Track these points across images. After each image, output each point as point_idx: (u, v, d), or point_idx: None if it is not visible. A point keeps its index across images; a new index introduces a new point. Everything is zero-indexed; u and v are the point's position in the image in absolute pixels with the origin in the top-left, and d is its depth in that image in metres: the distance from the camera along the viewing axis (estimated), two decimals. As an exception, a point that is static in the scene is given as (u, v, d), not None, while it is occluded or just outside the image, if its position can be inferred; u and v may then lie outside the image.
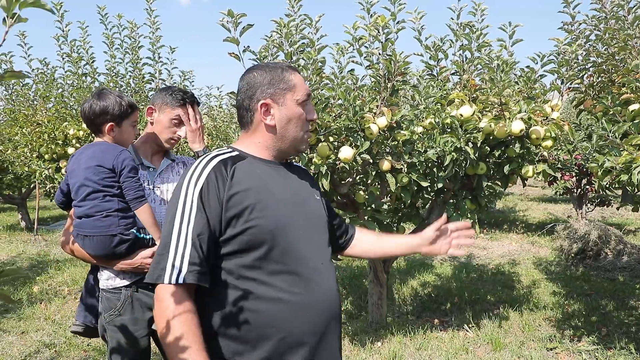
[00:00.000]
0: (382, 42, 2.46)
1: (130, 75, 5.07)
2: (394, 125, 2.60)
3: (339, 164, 2.46)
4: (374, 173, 2.67)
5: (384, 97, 2.55)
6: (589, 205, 7.32)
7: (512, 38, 3.22)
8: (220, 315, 1.22)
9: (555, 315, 4.21)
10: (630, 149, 2.51)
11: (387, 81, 2.52)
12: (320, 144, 2.47)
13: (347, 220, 2.40)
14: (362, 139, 2.48)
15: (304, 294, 1.25)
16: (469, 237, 1.52)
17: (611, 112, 2.60)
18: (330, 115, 2.42)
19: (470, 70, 2.73)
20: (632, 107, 2.59)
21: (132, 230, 1.75)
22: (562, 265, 5.65)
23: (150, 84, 5.03)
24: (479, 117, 2.70)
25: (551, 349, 3.59)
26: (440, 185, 2.80)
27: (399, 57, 2.49)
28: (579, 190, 6.61)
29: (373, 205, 3.11)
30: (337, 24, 2.85)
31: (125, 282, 1.85)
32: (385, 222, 3.42)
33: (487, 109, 2.75)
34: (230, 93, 2.20)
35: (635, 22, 2.37)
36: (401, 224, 3.57)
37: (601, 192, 6.75)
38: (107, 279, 1.87)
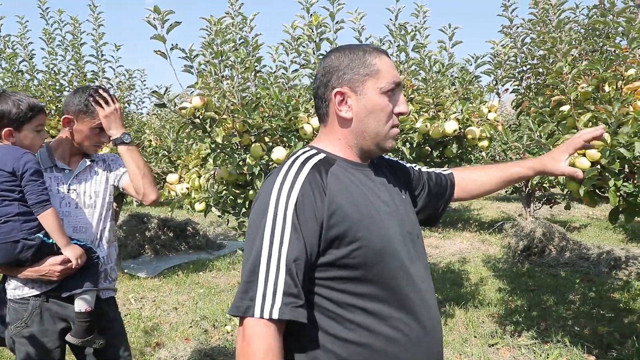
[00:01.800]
0: (315, 42, 2.43)
1: (72, 73, 4.89)
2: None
3: (272, 164, 2.42)
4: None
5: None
6: (537, 203, 7.59)
7: (452, 40, 3.27)
8: (318, 353, 1.02)
9: (499, 311, 4.31)
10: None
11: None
12: (253, 145, 2.43)
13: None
14: (296, 140, 2.45)
15: (415, 326, 1.08)
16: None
17: (540, 113, 2.67)
18: (262, 115, 2.38)
19: (407, 71, 2.75)
20: (562, 108, 2.67)
21: (38, 234, 1.66)
22: (510, 262, 5.82)
23: (94, 82, 4.85)
24: (415, 118, 2.71)
25: (492, 345, 3.67)
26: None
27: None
28: (527, 189, 6.84)
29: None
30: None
31: (35, 292, 1.75)
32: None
33: (424, 110, 2.78)
34: (153, 93, 2.13)
35: (560, 25, 2.44)
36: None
37: (544, 192, 7.00)
38: (14, 289, 1.76)
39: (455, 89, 2.90)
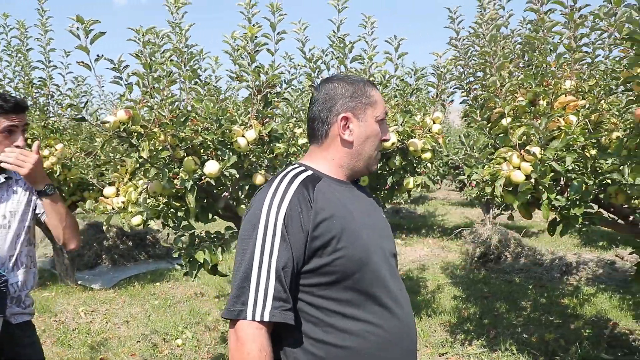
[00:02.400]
0: (249, 53, 2.39)
1: (18, 79, 4.72)
2: (267, 138, 2.54)
3: (205, 179, 2.36)
4: (247, 187, 2.59)
5: (255, 110, 2.49)
6: (495, 209, 7.70)
7: (398, 51, 3.28)
8: (299, 353, 1.12)
9: (451, 319, 4.33)
10: (499, 161, 2.60)
11: (257, 93, 2.46)
12: (186, 159, 2.36)
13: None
14: (230, 153, 2.40)
15: (390, 327, 1.18)
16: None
17: (478, 126, 2.69)
18: (195, 128, 2.32)
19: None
20: (503, 121, 2.69)
21: None
22: (467, 269, 5.87)
23: (42, 89, 4.69)
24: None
25: (443, 354, 3.68)
26: (318, 198, 2.77)
27: (268, 69, 2.44)
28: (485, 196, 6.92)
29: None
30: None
31: None
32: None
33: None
34: (69, 105, 2.05)
35: (493, 39, 2.47)
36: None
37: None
38: None
39: (397, 101, 2.90)
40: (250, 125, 2.46)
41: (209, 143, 2.49)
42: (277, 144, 2.63)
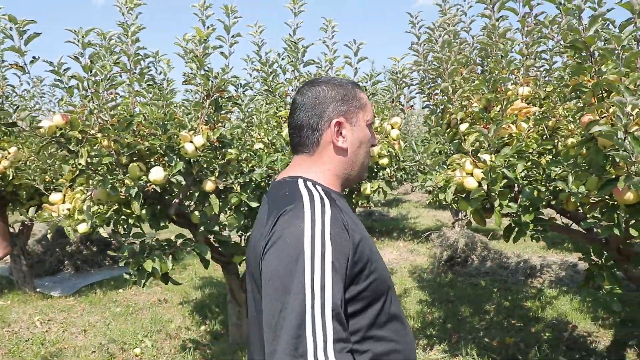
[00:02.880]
0: (197, 57, 2.32)
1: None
2: (218, 144, 2.48)
3: (150, 185, 2.28)
4: (197, 194, 2.52)
5: (205, 114, 2.42)
6: (464, 213, 7.74)
7: (357, 55, 3.25)
8: None
9: (415, 324, 4.32)
10: (455, 167, 2.59)
11: (206, 97, 2.39)
12: (130, 165, 2.28)
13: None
14: (177, 159, 2.32)
15: (407, 342, 1.12)
16: None
17: (434, 133, 2.67)
18: (140, 134, 2.24)
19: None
20: (462, 127, 2.68)
21: None
22: (434, 272, 5.89)
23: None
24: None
25: (404, 360, 3.66)
26: (272, 205, 2.71)
27: (217, 73, 2.37)
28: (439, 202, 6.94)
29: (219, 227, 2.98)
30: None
31: None
32: (231, 242, 3.29)
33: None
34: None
35: (445, 45, 2.45)
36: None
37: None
38: None
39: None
40: (199, 131, 2.39)
41: (157, 148, 2.41)
42: (229, 150, 2.56)
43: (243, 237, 3.47)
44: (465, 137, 2.43)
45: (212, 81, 2.34)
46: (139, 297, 5.50)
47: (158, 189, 2.29)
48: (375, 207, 11.23)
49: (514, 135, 2.41)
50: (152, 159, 2.37)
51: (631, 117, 1.43)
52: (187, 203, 2.92)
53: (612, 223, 1.87)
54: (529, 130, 2.33)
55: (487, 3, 2.51)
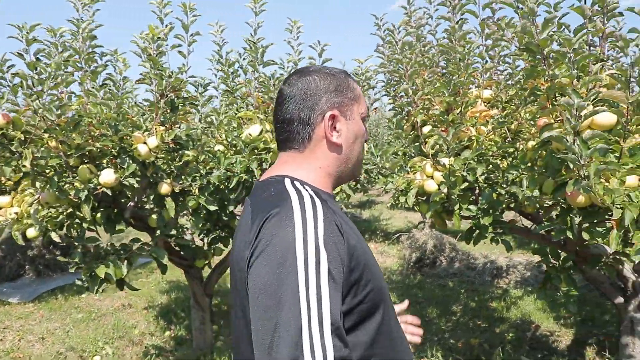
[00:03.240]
0: (149, 55, 2.24)
1: None
2: (173, 145, 2.40)
3: (100, 188, 2.19)
4: (152, 197, 2.44)
5: (160, 115, 2.34)
6: (434, 213, 7.80)
7: (322, 56, 3.21)
8: None
9: (382, 327, 4.31)
10: (417, 169, 2.58)
11: (161, 97, 2.31)
12: (80, 167, 2.19)
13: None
14: (130, 161, 2.24)
15: (407, 351, 1.04)
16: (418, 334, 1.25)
17: (395, 135, 2.66)
18: (84, 135, 2.15)
19: (260, 89, 2.62)
20: (425, 129, 2.67)
21: None
22: (403, 274, 5.90)
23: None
24: (270, 138, 2.60)
25: (370, 364, 3.64)
26: (231, 208, 2.65)
27: (171, 72, 2.30)
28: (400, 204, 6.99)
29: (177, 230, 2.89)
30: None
31: None
32: (193, 246, 3.21)
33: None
34: None
35: (405, 47, 2.44)
36: (216, 245, 3.39)
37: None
38: None
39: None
40: (154, 132, 2.31)
41: (109, 150, 2.32)
42: (186, 152, 2.49)
43: (205, 240, 3.39)
44: (426, 139, 2.42)
45: (166, 81, 2.27)
46: (102, 303, 5.34)
47: (109, 192, 2.20)
48: (347, 209, 11.23)
49: (473, 138, 2.41)
50: (104, 161, 2.27)
51: (579, 120, 1.44)
52: (144, 206, 2.83)
53: (566, 226, 1.88)
54: (488, 133, 2.34)
55: (447, 6, 2.51)
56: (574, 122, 1.44)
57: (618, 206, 1.69)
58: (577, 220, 1.84)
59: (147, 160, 2.38)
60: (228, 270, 2.76)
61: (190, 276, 3.57)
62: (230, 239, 3.44)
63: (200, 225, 2.66)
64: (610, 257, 2.49)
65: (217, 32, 2.92)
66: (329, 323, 0.81)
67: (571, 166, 1.59)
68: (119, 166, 2.24)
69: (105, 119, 2.15)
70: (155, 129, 2.29)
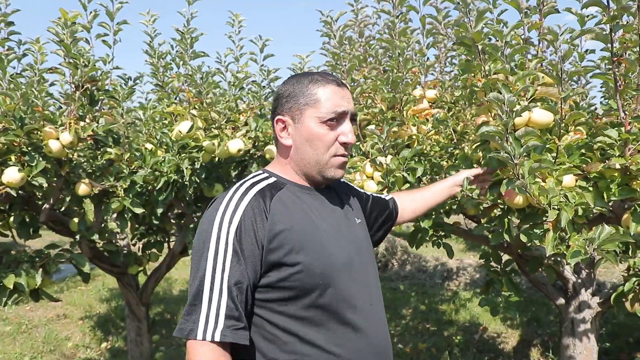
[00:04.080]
0: (61, 41, 2.02)
1: None
2: (92, 142, 2.19)
3: (4, 188, 1.96)
4: (68, 198, 2.22)
5: (76, 109, 2.12)
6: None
7: (263, 52, 3.06)
8: None
9: (330, 332, 4.20)
10: (359, 169, 2.47)
11: (76, 89, 2.10)
12: (-21, 165, 1.95)
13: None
14: (39, 158, 2.02)
15: (354, 348, 1.10)
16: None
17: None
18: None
19: (193, 83, 2.43)
20: (370, 128, 2.56)
21: None
22: (355, 277, 5.82)
23: None
24: (202, 135, 2.42)
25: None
26: (160, 210, 2.46)
27: (88, 60, 2.09)
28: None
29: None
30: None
31: None
32: (125, 252, 2.99)
33: (215, 126, 2.50)
34: None
35: (342, 41, 2.33)
36: (150, 250, 3.18)
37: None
38: None
39: (251, 104, 2.67)
40: (68, 127, 2.09)
41: (20, 146, 2.09)
42: (108, 149, 2.28)
43: (138, 245, 3.17)
44: (366, 138, 2.32)
45: (81, 70, 2.06)
46: (34, 313, 4.97)
47: (13, 193, 1.96)
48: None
49: (414, 137, 2.32)
50: (9, 157, 2.04)
51: (511, 116, 1.36)
52: (65, 209, 2.59)
53: (504, 228, 1.81)
54: (429, 132, 2.26)
55: (389, 0, 2.42)
56: (506, 119, 1.37)
57: (555, 207, 1.63)
58: (514, 222, 1.77)
59: (63, 158, 2.16)
60: (168, 277, 2.55)
61: (124, 284, 3.33)
62: (166, 244, 3.24)
63: (125, 229, 2.45)
64: (551, 259, 2.46)
65: (148, 22, 2.72)
66: (227, 288, 1.02)
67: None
68: (26, 164, 2.01)
69: (9, 111, 1.93)
70: (70, 123, 2.07)
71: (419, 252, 5.98)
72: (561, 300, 2.92)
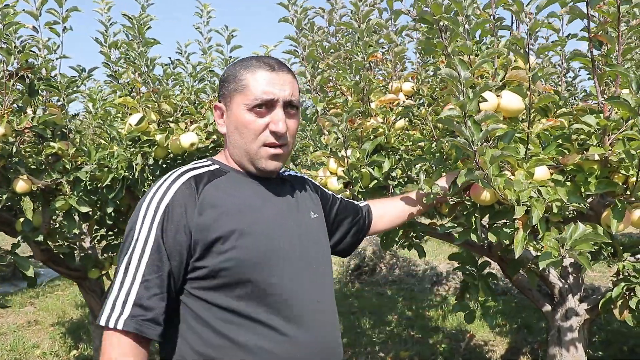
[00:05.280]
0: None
1: None
2: (31, 135, 2.02)
3: None
4: (5, 196, 2.04)
5: (11, 99, 1.95)
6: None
7: (230, 43, 2.90)
8: None
9: (310, 340, 4.01)
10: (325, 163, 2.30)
11: (10, 77, 1.93)
12: None
13: None
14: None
15: (292, 343, 1.04)
16: None
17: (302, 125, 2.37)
18: None
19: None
20: (327, 116, 2.39)
21: None
22: (342, 282, 5.62)
23: None
24: (154, 128, 2.25)
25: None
26: (110, 209, 2.28)
27: (23, 46, 1.92)
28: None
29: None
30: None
31: None
32: (82, 255, 2.82)
33: (171, 120, 2.33)
34: None
35: (300, 26, 2.16)
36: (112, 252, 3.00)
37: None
38: None
39: (212, 96, 2.50)
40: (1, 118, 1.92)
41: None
42: (51, 143, 2.11)
43: (97, 246, 3.00)
44: (328, 130, 2.14)
45: (14, 56, 1.89)
46: (4, 320, 4.78)
47: None
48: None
49: (380, 129, 2.14)
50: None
51: (466, 96, 1.18)
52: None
53: (470, 227, 1.63)
54: (394, 122, 2.08)
55: (356, -17, 2.25)
56: (462, 99, 1.19)
57: (525, 203, 1.45)
58: (480, 220, 1.59)
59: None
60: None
61: (85, 289, 3.14)
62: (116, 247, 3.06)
63: (73, 229, 2.28)
64: (532, 262, 2.29)
65: (103, 10, 2.55)
66: (142, 274, 0.98)
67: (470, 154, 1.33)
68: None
69: None
70: (4, 114, 1.90)
71: (409, 256, 5.78)
72: (547, 307, 2.72)
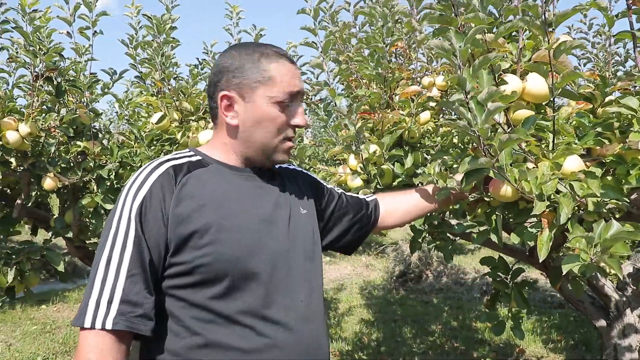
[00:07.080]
0: (17, 27, 1.93)
1: None
2: (56, 133, 2.08)
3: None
4: (34, 193, 2.12)
5: (39, 99, 2.02)
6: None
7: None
8: None
9: (346, 347, 3.88)
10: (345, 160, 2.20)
11: (36, 78, 2.00)
12: None
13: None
14: (-4, 150, 1.93)
15: (271, 344, 0.98)
16: None
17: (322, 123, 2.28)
18: None
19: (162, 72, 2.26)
20: (338, 106, 2.29)
21: None
22: (386, 289, 5.44)
23: None
24: (174, 127, 2.25)
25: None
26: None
27: (49, 48, 1.98)
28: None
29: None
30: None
31: None
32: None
33: (193, 118, 2.33)
34: None
35: (317, 15, 2.08)
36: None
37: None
38: None
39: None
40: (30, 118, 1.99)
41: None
42: (77, 142, 2.17)
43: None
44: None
45: (40, 58, 1.96)
46: (60, 314, 5.05)
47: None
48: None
49: (404, 123, 2.02)
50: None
51: (463, 70, 1.04)
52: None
53: (490, 227, 1.47)
54: (416, 113, 1.94)
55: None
56: (459, 74, 1.05)
57: (549, 199, 1.27)
58: (502, 218, 1.43)
59: (27, 150, 2.07)
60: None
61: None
62: None
63: (101, 227, 2.32)
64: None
65: (132, 14, 2.61)
66: (126, 268, 0.92)
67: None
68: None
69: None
70: (30, 114, 1.97)
71: (458, 264, 5.50)
72: (602, 322, 2.45)
